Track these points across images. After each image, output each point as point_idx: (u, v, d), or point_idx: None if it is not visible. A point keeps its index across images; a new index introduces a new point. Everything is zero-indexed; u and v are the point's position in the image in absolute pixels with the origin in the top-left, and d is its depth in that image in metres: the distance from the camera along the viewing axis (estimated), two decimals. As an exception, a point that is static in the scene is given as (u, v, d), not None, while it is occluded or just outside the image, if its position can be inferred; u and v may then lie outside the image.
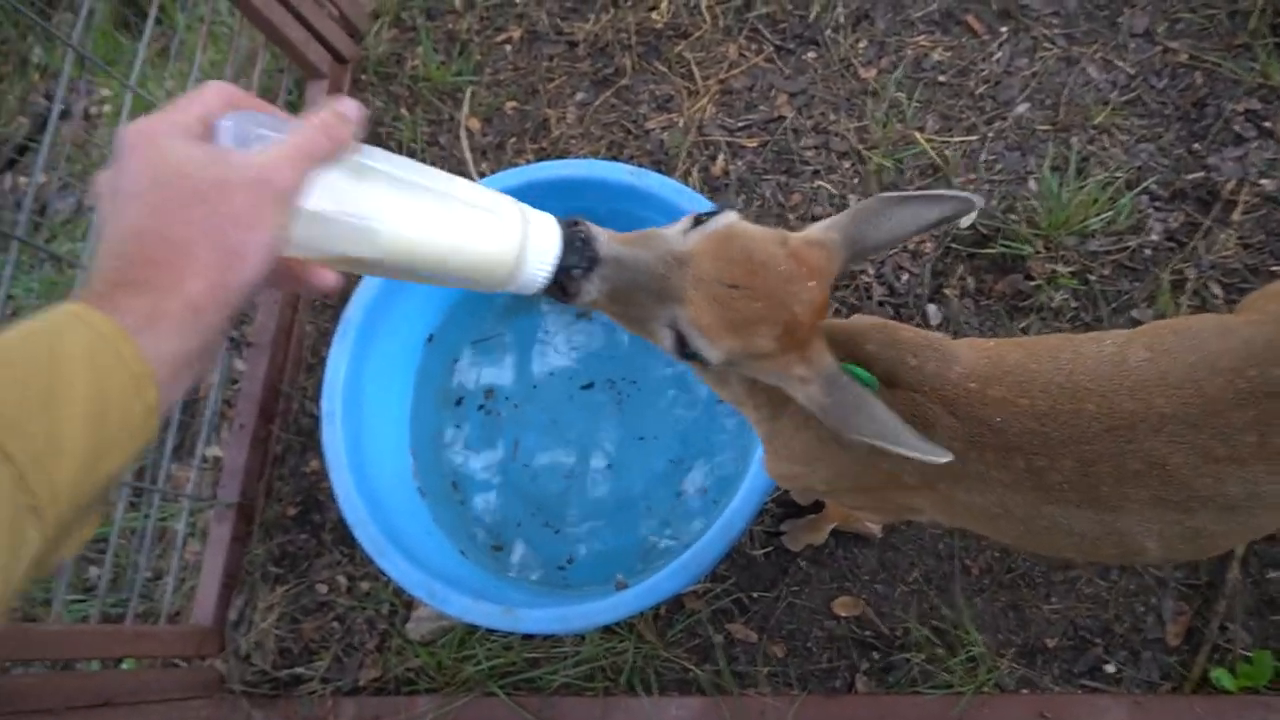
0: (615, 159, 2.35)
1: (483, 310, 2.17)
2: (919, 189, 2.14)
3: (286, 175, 0.68)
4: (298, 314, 2.34)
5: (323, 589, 2.07)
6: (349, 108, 0.74)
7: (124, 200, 0.65)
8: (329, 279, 0.77)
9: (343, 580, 2.07)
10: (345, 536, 2.04)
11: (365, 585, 2.05)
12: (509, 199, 0.82)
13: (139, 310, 0.61)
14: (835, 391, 0.94)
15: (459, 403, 2.14)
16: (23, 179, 2.79)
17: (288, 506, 2.16)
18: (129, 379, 0.59)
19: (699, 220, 0.94)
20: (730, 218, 0.93)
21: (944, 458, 0.89)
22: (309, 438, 2.21)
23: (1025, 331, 1.96)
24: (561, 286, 0.86)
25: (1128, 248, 1.98)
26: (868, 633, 1.84)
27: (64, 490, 0.55)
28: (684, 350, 0.93)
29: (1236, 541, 1.11)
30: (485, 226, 0.79)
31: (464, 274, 0.79)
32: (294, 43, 2.33)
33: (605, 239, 0.88)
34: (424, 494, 2.01)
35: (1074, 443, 1.04)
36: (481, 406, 2.12)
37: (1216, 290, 1.92)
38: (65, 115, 2.73)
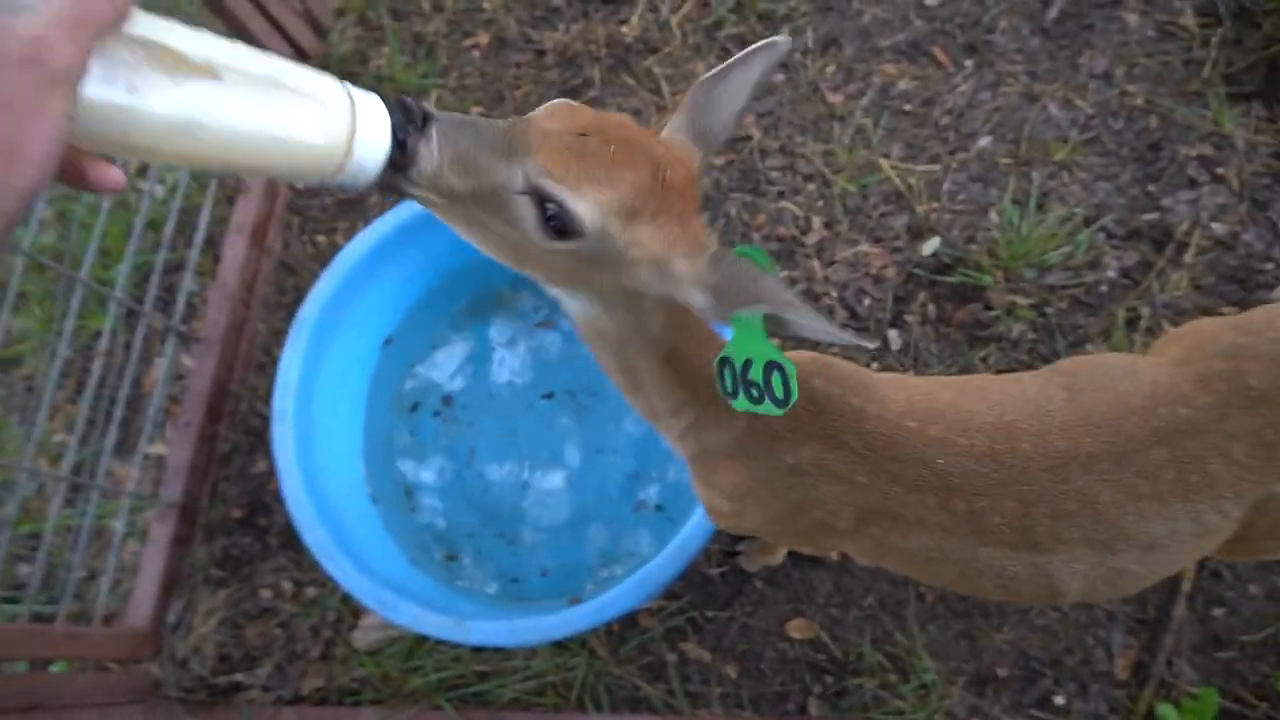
0: (582, 170, 2.34)
1: (443, 314, 2.14)
2: (881, 215, 2.17)
3: (65, 50, 0.55)
4: (250, 310, 2.28)
5: (267, 594, 2.01)
6: None
7: None
8: (113, 175, 0.65)
9: (288, 585, 2.01)
10: (292, 541, 1.98)
11: (311, 591, 2.00)
12: (328, 78, 0.73)
13: None
14: (726, 267, 0.82)
15: (415, 408, 2.10)
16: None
17: (233, 508, 2.10)
18: None
19: None
20: (563, 100, 0.86)
21: (870, 344, 0.84)
22: (258, 438, 2.15)
23: (985, 361, 1.99)
24: (401, 146, 0.76)
25: (1084, 283, 2.03)
26: (821, 656, 1.84)
27: None
28: (549, 221, 0.81)
29: (1148, 583, 1.14)
30: (305, 115, 0.69)
31: (282, 169, 0.71)
32: (255, 34, 2.28)
33: (438, 111, 0.79)
34: (375, 500, 1.97)
35: (1014, 483, 1.05)
36: (438, 413, 2.09)
37: (1169, 328, 1.97)
38: None
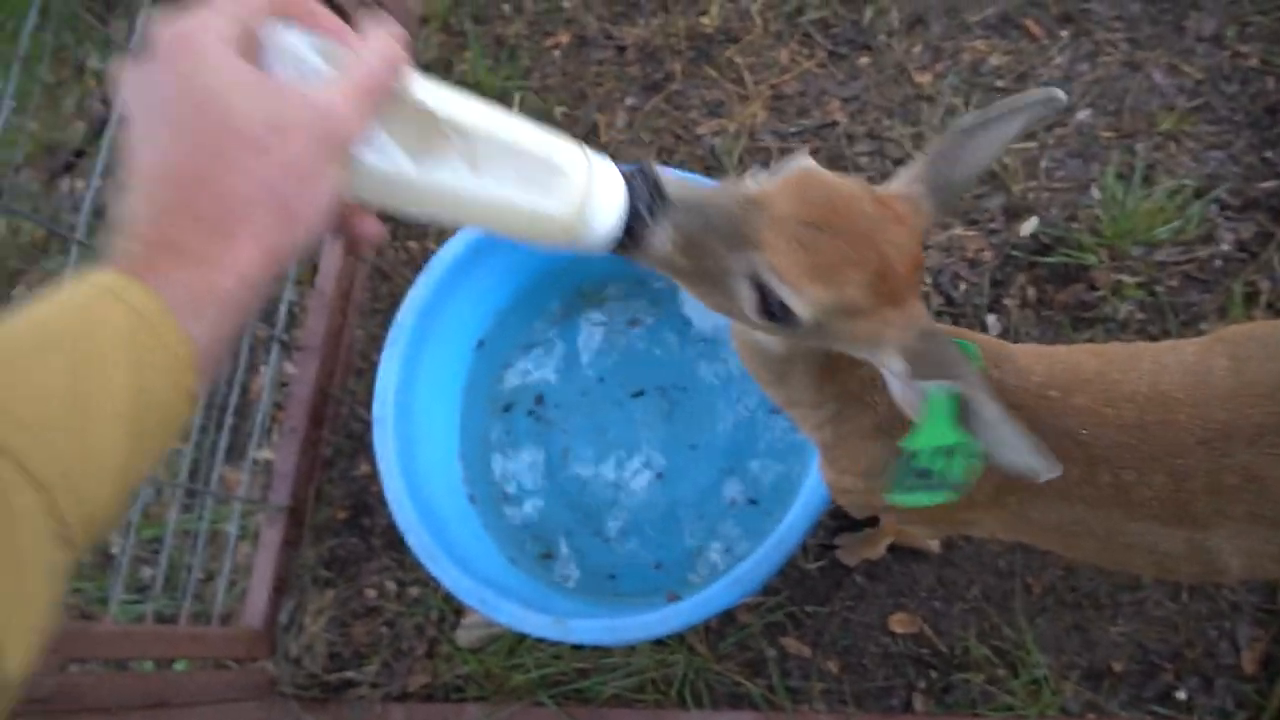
0: (665, 164, 2.33)
1: (533, 315, 2.16)
2: (975, 196, 2.10)
3: (351, 119, 0.58)
4: (347, 318, 2.34)
5: (372, 594, 2.07)
6: (398, 30, 0.63)
7: (160, 124, 0.54)
8: (374, 228, 0.68)
9: (392, 585, 2.07)
10: (394, 541, 2.03)
11: (415, 591, 2.04)
12: (572, 145, 0.74)
13: (185, 284, 0.52)
14: (930, 344, 0.83)
15: (508, 409, 2.13)
16: (80, 183, 2.82)
17: (338, 510, 2.16)
18: (172, 367, 0.51)
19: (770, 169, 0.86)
20: (805, 161, 0.85)
21: (1049, 471, 0.78)
22: (359, 442, 2.21)
23: (1091, 342, 1.91)
24: (629, 235, 0.77)
25: (1197, 258, 1.93)
26: (925, 651, 1.80)
27: (99, 510, 0.47)
28: (767, 308, 0.83)
29: None
30: (548, 186, 0.71)
31: (520, 233, 0.73)
32: (347, 48, 2.34)
33: (674, 182, 0.80)
34: (473, 500, 2.00)
35: (1166, 456, 0.99)
36: (531, 413, 2.11)
37: (1300, 300, 1.86)
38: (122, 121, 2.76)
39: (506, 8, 2.65)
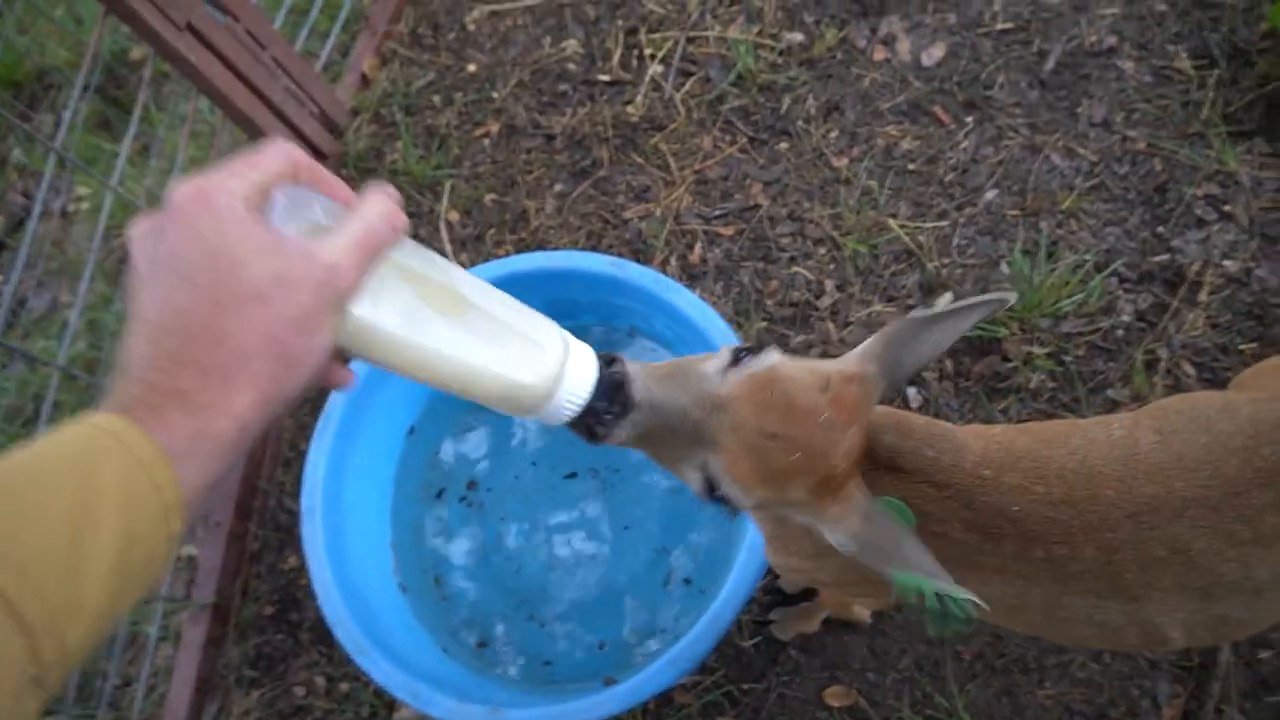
0: (594, 249, 2.38)
1: (464, 401, 2.16)
2: (893, 274, 2.18)
3: (349, 275, 0.61)
4: (276, 407, 2.32)
5: (300, 691, 2.01)
6: (395, 193, 0.68)
7: (168, 275, 0.57)
8: (348, 377, 0.71)
9: (321, 681, 2.01)
10: (324, 635, 1.99)
11: (345, 686, 1.99)
12: (549, 323, 0.78)
13: (185, 431, 0.54)
14: (873, 529, 0.89)
15: (440, 495, 2.11)
16: (-2, 276, 2.78)
17: (265, 605, 2.11)
18: (160, 512, 0.52)
19: (739, 355, 0.89)
20: (773, 359, 0.89)
21: (981, 604, 0.84)
22: (287, 534, 2.17)
23: (1005, 413, 1.98)
24: (589, 427, 0.82)
25: (1100, 328, 2.02)
26: (861, 724, 1.81)
27: (74, 651, 0.48)
28: (712, 493, 0.88)
29: (1260, 627, 1.10)
30: (524, 356, 0.74)
31: (492, 398, 0.75)
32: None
33: (641, 380, 0.83)
34: (405, 590, 1.97)
35: (1095, 530, 1.02)
36: (463, 498, 2.10)
37: (1189, 369, 1.96)
38: (43, 214, 2.74)
39: (436, 99, 2.71)
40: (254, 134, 2.33)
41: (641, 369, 0.85)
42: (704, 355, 0.91)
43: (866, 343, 0.95)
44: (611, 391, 0.80)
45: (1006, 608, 1.11)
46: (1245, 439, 1.00)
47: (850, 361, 0.94)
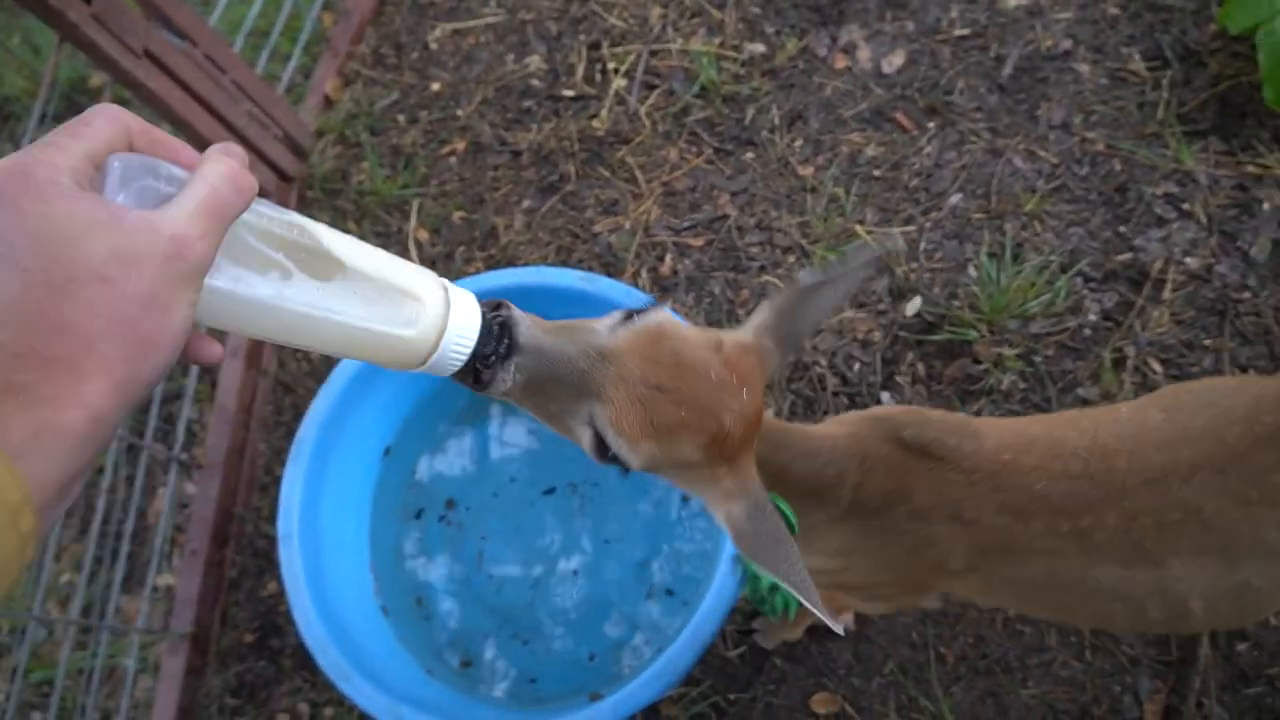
0: (564, 263, 2.38)
1: (439, 418, 2.16)
2: (863, 280, 2.20)
3: (199, 245, 0.56)
4: (250, 433, 2.30)
5: (284, 718, 1.99)
6: (240, 151, 0.63)
7: (1, 265, 0.52)
8: (215, 351, 0.66)
9: (304, 708, 1.99)
10: (306, 661, 1.97)
11: (329, 711, 1.97)
12: (427, 274, 0.75)
13: (27, 427, 0.50)
14: (759, 520, 0.88)
15: (419, 515, 2.10)
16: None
17: (245, 633, 2.09)
18: (2, 512, 0.48)
19: (630, 315, 0.87)
20: (662, 315, 0.86)
21: (838, 628, 0.84)
22: (265, 559, 2.15)
23: (978, 414, 2.00)
24: (475, 373, 0.79)
25: (1068, 328, 2.05)
26: (847, 729, 1.82)
27: None
28: (603, 452, 0.86)
29: (1277, 604, 1.14)
30: (402, 311, 0.72)
31: (376, 357, 0.73)
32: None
33: (526, 325, 0.81)
34: (387, 612, 1.96)
35: (1114, 498, 1.07)
36: (442, 518, 2.09)
37: (1156, 366, 1.99)
38: None
39: (401, 118, 2.70)
40: (218, 158, 2.31)
41: (528, 318, 0.82)
42: (598, 319, 0.88)
43: (758, 313, 0.95)
44: (497, 335, 0.79)
45: (1034, 589, 1.15)
46: (1247, 409, 1.06)
47: (745, 332, 0.93)
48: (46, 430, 0.51)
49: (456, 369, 0.78)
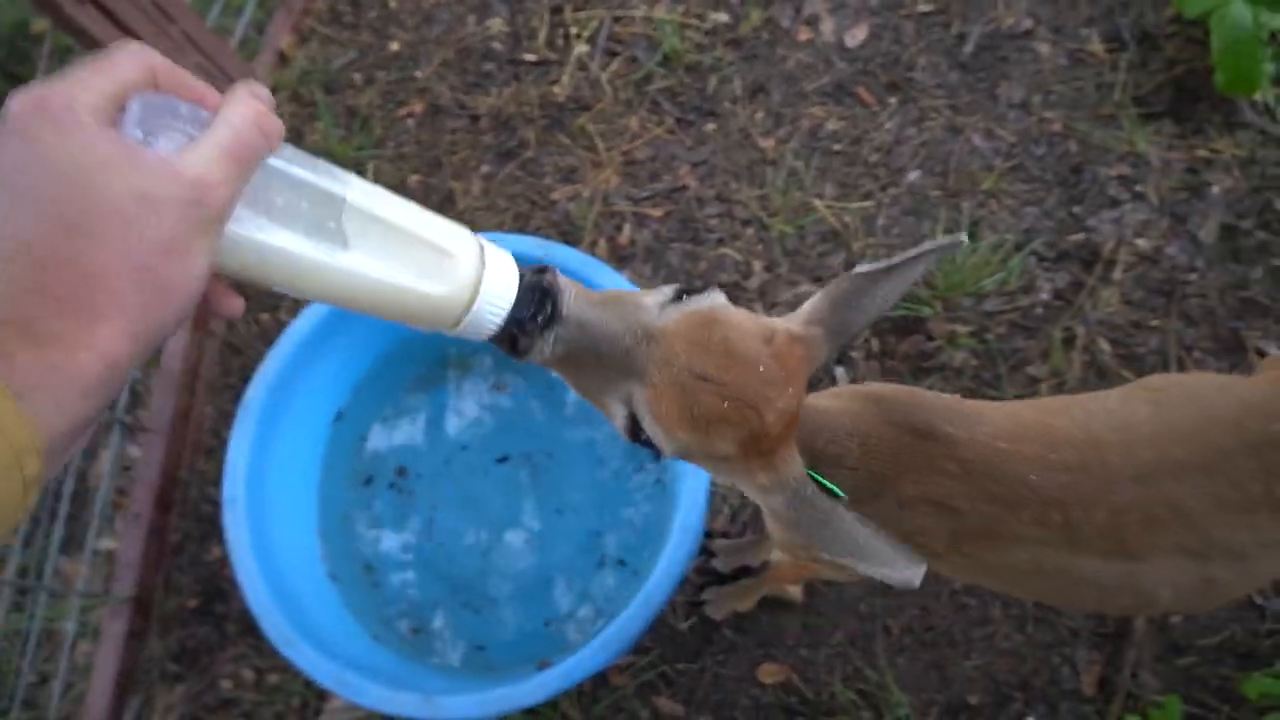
0: (522, 230, 2.36)
1: (393, 385, 2.13)
2: (820, 254, 2.20)
3: (221, 190, 0.54)
4: (196, 396, 2.25)
5: (227, 684, 1.97)
6: (265, 93, 0.60)
7: (14, 198, 0.50)
8: (236, 304, 0.65)
9: (249, 674, 1.97)
10: (251, 627, 1.94)
11: (274, 678, 1.95)
12: (460, 229, 0.71)
13: (36, 365, 0.49)
14: (802, 505, 0.86)
15: (369, 482, 2.08)
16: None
17: (188, 598, 2.05)
18: (7, 453, 0.46)
19: (681, 293, 0.82)
20: (717, 299, 0.82)
21: (918, 577, 0.82)
22: (210, 525, 2.11)
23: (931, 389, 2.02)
24: (512, 339, 0.74)
25: (1020, 307, 2.07)
26: (794, 699, 1.84)
27: None
28: (636, 434, 0.82)
29: (1240, 592, 1.17)
30: (434, 265, 0.68)
31: (404, 314, 0.69)
32: (189, 119, 2.28)
33: (571, 294, 0.76)
34: (334, 579, 1.94)
35: (1104, 493, 1.07)
36: (393, 485, 2.07)
37: (1105, 345, 2.02)
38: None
39: (358, 77, 2.64)
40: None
41: (574, 285, 0.77)
42: (646, 290, 0.83)
43: (811, 302, 0.90)
44: (539, 301, 0.74)
45: (1018, 574, 1.16)
46: (1234, 412, 1.08)
47: (796, 320, 0.88)
48: (56, 371, 0.49)
49: (492, 332, 0.73)
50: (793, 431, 0.86)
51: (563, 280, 0.76)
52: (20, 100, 0.51)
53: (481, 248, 0.71)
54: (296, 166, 0.62)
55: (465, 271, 0.69)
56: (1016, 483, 1.08)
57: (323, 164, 0.64)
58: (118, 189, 0.51)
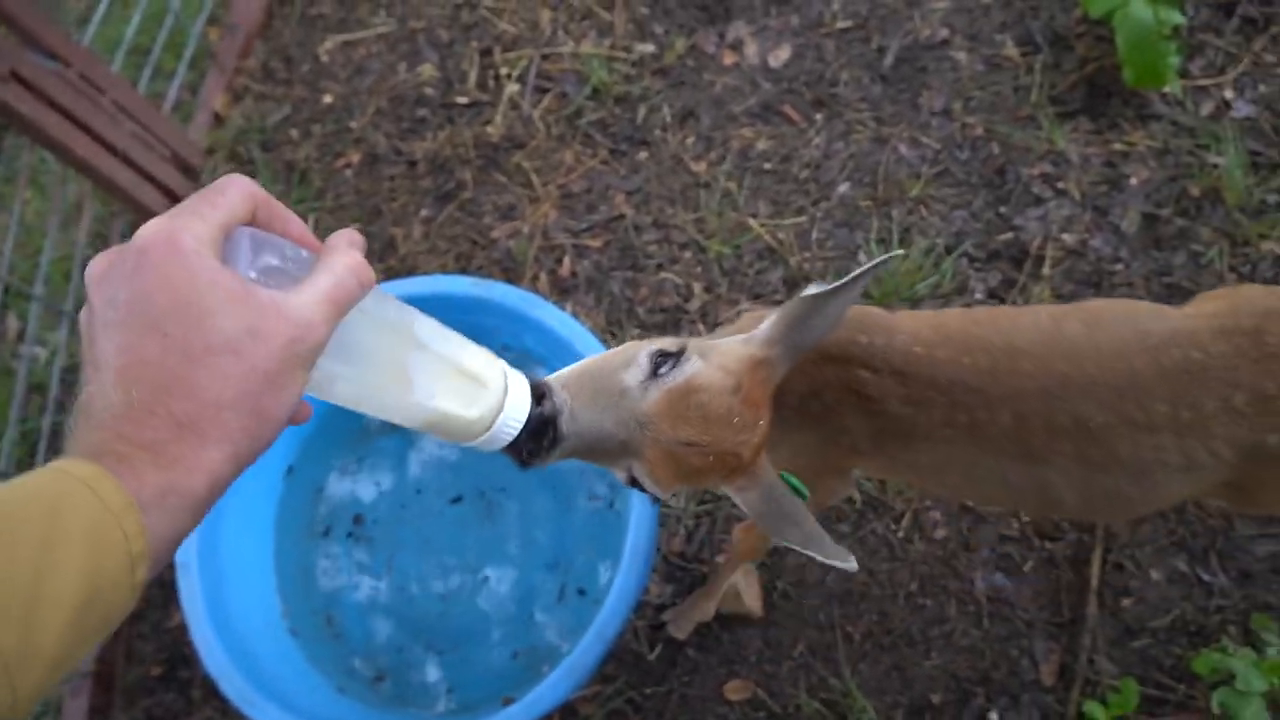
0: (464, 270, 2.38)
1: (343, 433, 2.13)
2: (758, 272, 2.24)
3: (320, 330, 0.60)
4: (148, 461, 2.25)
5: (195, 750, 1.95)
6: (360, 240, 0.67)
7: (135, 321, 0.55)
8: (306, 412, 0.68)
9: (216, 738, 1.96)
10: (216, 690, 1.93)
11: (241, 740, 1.94)
12: (489, 356, 0.83)
13: (156, 483, 0.53)
14: (771, 502, 0.99)
15: (326, 532, 2.08)
16: None
17: (151, 666, 2.04)
18: (125, 560, 0.51)
19: (658, 365, 0.95)
20: (690, 368, 0.95)
21: (852, 567, 0.94)
22: (169, 590, 2.09)
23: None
24: (521, 456, 0.89)
25: (955, 308, 2.11)
26: (761, 714, 1.85)
27: (24, 700, 0.47)
28: (635, 484, 0.98)
29: (1149, 508, 1.26)
30: (471, 393, 0.80)
31: (438, 430, 0.80)
32: (124, 187, 2.29)
33: (566, 414, 0.91)
34: (296, 634, 1.94)
35: (1011, 399, 1.15)
36: (350, 534, 2.07)
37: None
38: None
39: (294, 132, 2.67)
40: (100, 182, 2.25)
41: (566, 393, 0.92)
42: (623, 357, 0.97)
43: (769, 323, 1.01)
44: (541, 429, 0.88)
45: (932, 469, 1.26)
46: (1160, 339, 1.14)
47: (756, 344, 1.00)
48: (173, 490, 0.54)
49: (505, 443, 0.86)
50: (764, 446, 0.99)
51: (559, 400, 0.91)
52: (150, 231, 0.57)
53: (505, 374, 0.84)
54: (373, 304, 0.70)
55: (493, 399, 0.82)
56: (927, 385, 1.16)
57: (393, 301, 0.74)
58: (234, 324, 0.56)
